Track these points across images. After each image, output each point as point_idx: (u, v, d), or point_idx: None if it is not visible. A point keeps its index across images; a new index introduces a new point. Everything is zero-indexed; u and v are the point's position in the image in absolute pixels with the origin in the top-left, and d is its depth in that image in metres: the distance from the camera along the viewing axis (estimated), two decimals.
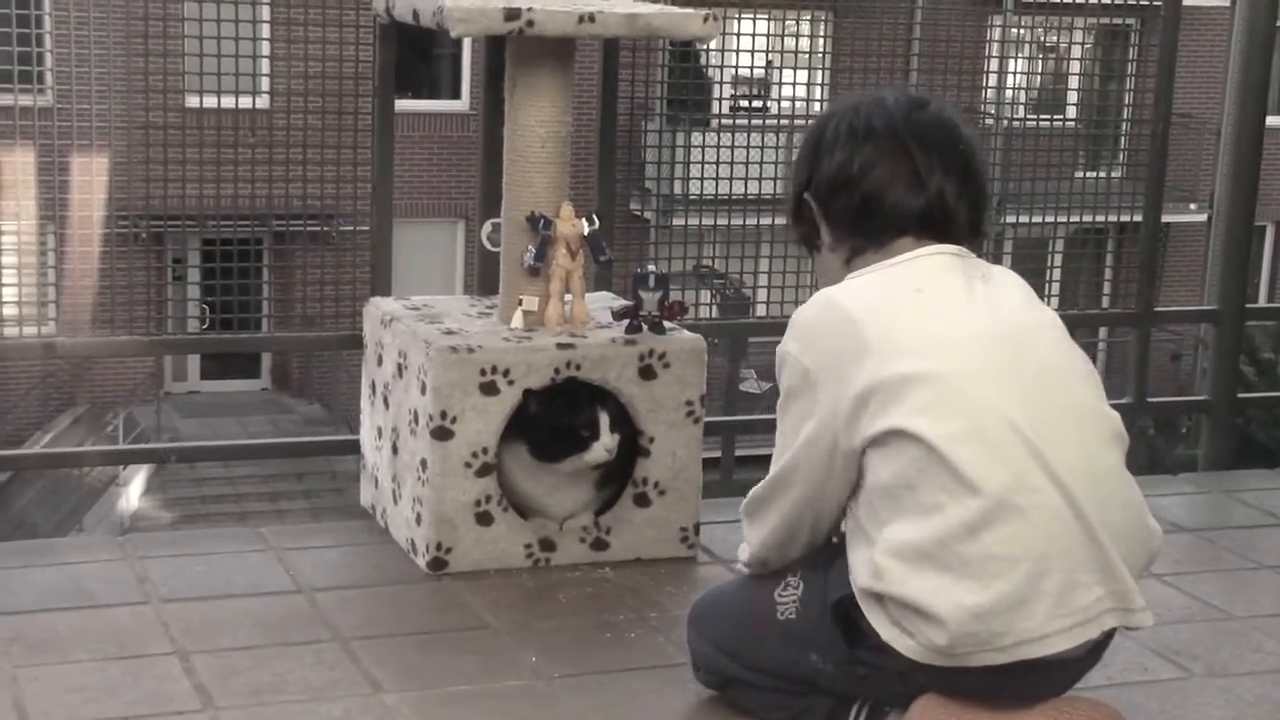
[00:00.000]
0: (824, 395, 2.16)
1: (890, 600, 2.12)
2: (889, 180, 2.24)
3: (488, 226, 3.23)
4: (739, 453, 10.54)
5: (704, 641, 2.41)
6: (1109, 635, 2.19)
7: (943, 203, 2.24)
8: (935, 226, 2.25)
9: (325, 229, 4.55)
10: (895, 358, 2.12)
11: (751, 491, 2.34)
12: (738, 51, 4.32)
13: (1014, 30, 5.31)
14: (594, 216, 3.09)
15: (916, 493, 2.10)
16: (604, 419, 2.92)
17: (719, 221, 4.56)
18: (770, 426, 2.51)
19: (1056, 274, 5.25)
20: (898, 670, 2.16)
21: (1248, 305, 4.15)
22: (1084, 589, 2.12)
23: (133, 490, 13.89)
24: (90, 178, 3.76)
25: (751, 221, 4.77)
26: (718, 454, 11.30)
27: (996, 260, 6.79)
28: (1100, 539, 2.12)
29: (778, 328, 4.11)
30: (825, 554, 2.28)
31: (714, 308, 5.78)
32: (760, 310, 4.24)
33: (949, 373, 2.12)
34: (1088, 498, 2.12)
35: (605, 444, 2.92)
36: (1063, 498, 2.10)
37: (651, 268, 3.12)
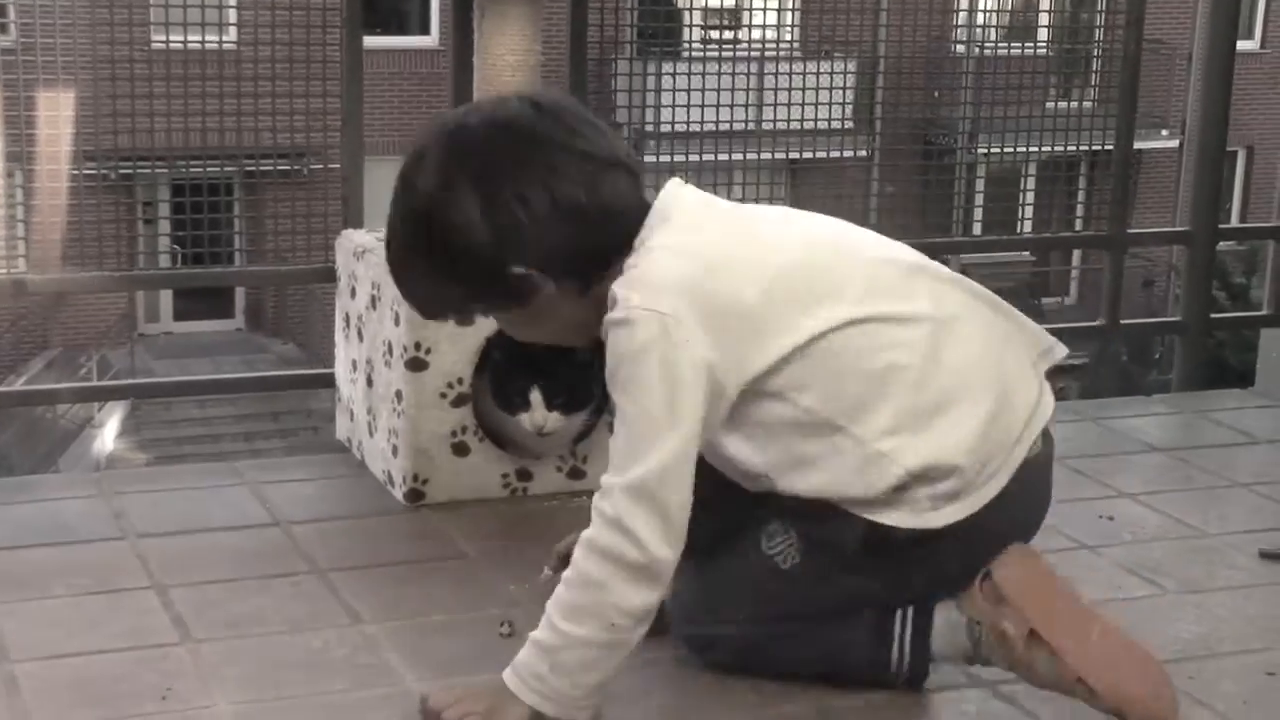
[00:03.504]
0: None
1: (909, 482, 2.09)
2: (605, 177, 2.07)
3: None
4: None
5: (721, 626, 2.24)
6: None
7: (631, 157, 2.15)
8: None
9: (296, 167, 4.52)
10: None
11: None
12: None
13: None
14: None
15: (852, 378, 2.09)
16: (536, 395, 2.86)
17: (690, 155, 4.54)
18: None
19: (1030, 198, 5.26)
20: (928, 549, 2.12)
21: (1220, 226, 4.16)
22: (1023, 366, 2.19)
23: (108, 432, 13.88)
24: (56, 114, 3.73)
25: (723, 155, 4.75)
26: None
27: (971, 186, 6.81)
28: (1000, 305, 2.21)
29: None
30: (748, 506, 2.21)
31: None
32: None
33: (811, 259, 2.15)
34: (969, 287, 2.20)
35: (533, 419, 2.87)
36: (963, 290, 2.18)
37: None
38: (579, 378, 2.93)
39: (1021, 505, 2.19)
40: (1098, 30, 5.53)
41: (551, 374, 2.88)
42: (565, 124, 2.07)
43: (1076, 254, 14.32)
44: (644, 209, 2.11)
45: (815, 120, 5.04)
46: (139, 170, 3.97)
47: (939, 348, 2.11)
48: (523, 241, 2.04)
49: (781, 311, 2.07)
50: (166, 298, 15.61)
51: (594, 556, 2.03)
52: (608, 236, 2.08)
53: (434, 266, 2.10)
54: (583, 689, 2.06)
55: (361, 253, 3.11)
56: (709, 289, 2.04)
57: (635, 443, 2.03)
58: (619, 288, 2.05)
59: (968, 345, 2.13)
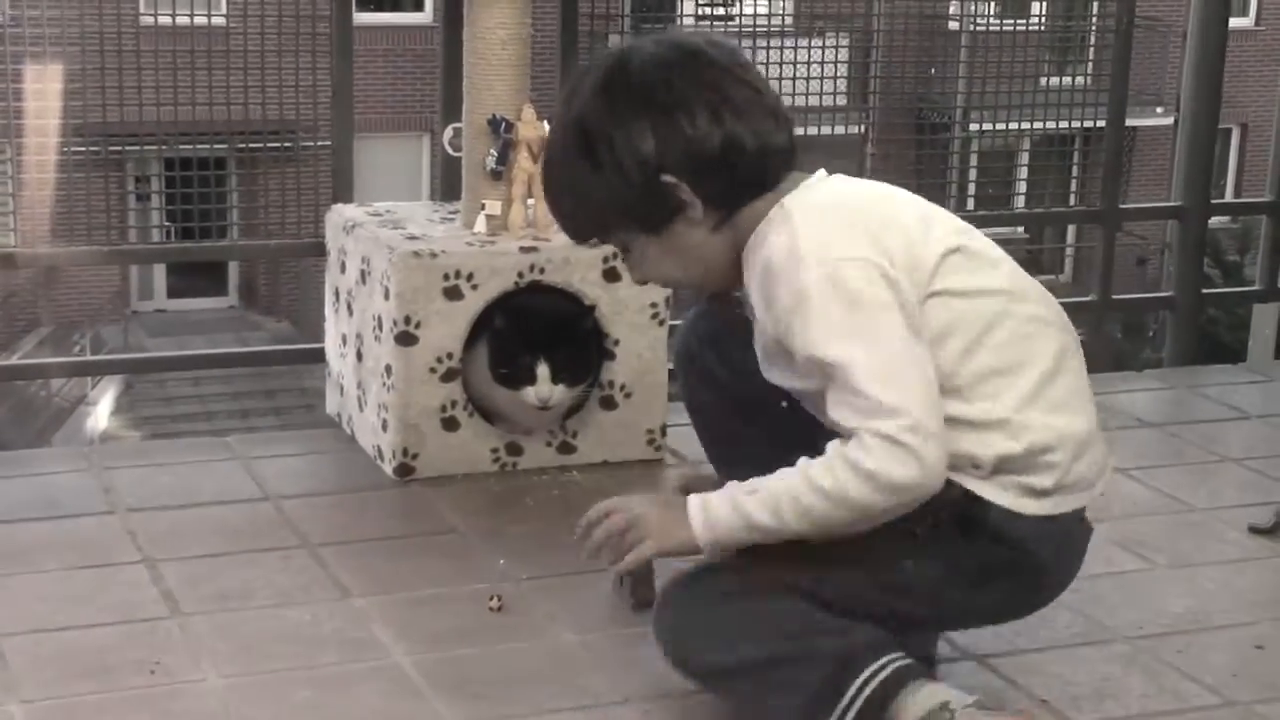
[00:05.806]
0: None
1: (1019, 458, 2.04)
2: (767, 115, 2.05)
3: (449, 131, 3.20)
4: None
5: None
6: None
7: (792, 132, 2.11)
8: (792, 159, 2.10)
9: (287, 143, 4.51)
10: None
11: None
12: None
13: None
14: None
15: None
16: (543, 370, 2.87)
17: None
18: None
19: (1024, 173, 5.26)
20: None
21: (1212, 201, 4.15)
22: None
23: (101, 409, 13.85)
24: (45, 88, 3.71)
25: None
26: None
27: (965, 163, 6.79)
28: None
29: None
30: None
31: None
32: None
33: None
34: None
35: (539, 392, 2.88)
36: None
37: None
38: (580, 350, 2.94)
39: (1066, 555, 2.12)
40: (1093, 5, 5.50)
41: (554, 347, 2.88)
42: (736, 59, 2.07)
43: (1071, 231, 14.30)
44: (790, 158, 2.07)
45: (808, 97, 5.02)
46: (128, 149, 3.95)
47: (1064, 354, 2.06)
48: (681, 151, 2.01)
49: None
50: (160, 275, 15.57)
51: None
52: (760, 171, 2.05)
53: (585, 173, 2.05)
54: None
55: (351, 227, 3.10)
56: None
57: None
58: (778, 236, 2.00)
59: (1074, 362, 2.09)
